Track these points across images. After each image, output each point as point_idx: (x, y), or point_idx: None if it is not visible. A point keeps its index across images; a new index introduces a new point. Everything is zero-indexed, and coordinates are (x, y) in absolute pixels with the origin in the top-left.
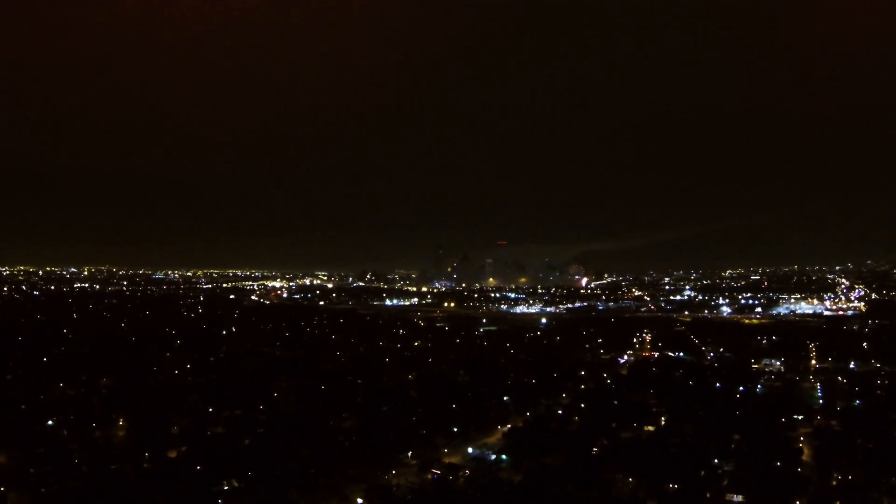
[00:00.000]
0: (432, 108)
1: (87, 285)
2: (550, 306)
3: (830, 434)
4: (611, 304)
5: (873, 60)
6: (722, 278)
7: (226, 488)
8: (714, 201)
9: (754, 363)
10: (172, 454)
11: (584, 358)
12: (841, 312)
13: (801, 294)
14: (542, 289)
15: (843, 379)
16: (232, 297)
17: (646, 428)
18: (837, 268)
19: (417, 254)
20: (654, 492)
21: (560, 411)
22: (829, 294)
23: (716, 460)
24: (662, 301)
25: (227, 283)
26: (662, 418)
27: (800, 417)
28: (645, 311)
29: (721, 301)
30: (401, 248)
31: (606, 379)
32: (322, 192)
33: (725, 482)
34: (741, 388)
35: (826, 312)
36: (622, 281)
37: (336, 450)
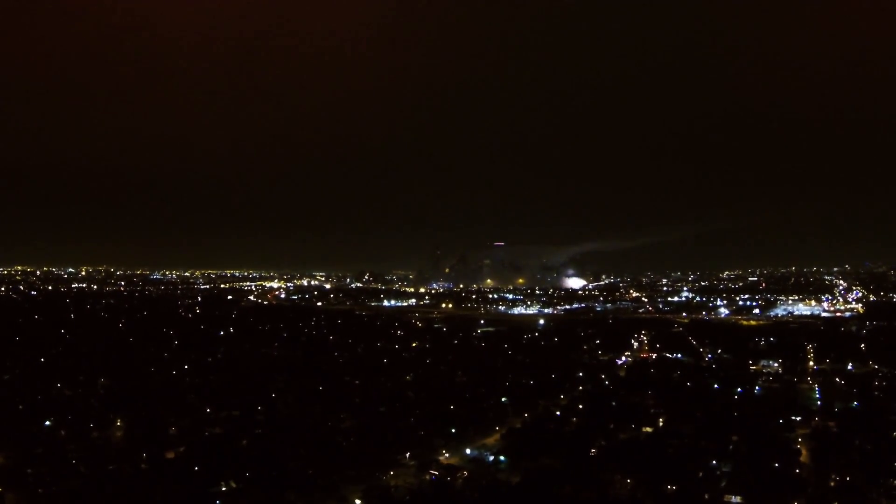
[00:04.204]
0: (430, 109)
1: (84, 285)
2: (548, 307)
3: (828, 435)
4: (608, 305)
5: (873, 61)
6: (720, 279)
7: (224, 489)
8: (712, 202)
9: (752, 364)
10: (170, 455)
11: (581, 359)
12: (839, 314)
13: (798, 295)
14: (539, 290)
15: (840, 380)
16: (230, 297)
17: (644, 429)
18: (835, 269)
19: (415, 255)
20: (652, 493)
21: (558, 412)
22: (826, 295)
23: (714, 461)
24: (660, 302)
25: (224, 283)
26: (660, 419)
27: (798, 418)
28: (643, 313)
29: (719, 302)
30: (398, 248)
31: (604, 380)
32: (320, 193)
33: (724, 483)
34: (739, 390)
35: (824, 314)
36: (620, 282)
37: (334, 450)
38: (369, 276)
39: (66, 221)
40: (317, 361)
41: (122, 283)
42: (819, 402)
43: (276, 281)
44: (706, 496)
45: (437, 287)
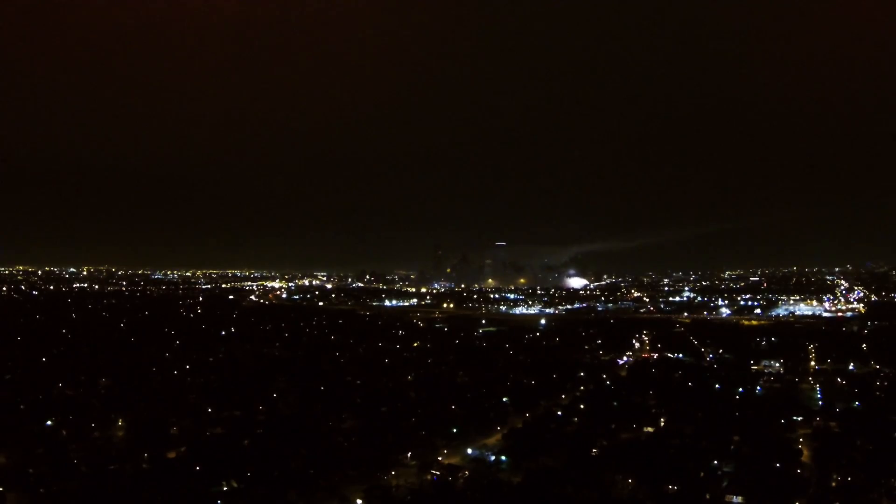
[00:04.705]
0: (431, 108)
1: (86, 285)
2: (549, 307)
3: (830, 435)
4: (610, 305)
5: (874, 61)
6: (721, 279)
7: (225, 489)
8: (713, 202)
9: (753, 364)
10: (171, 454)
11: (583, 359)
12: (840, 314)
13: (800, 295)
14: (540, 289)
15: (842, 380)
16: (231, 297)
17: (645, 429)
18: (837, 269)
19: (416, 254)
20: (653, 493)
21: (559, 412)
22: (828, 295)
23: (715, 461)
24: (661, 302)
25: (226, 283)
26: (662, 419)
27: (799, 419)
28: (644, 313)
29: (720, 302)
30: (400, 248)
31: (606, 380)
32: (321, 193)
33: (725, 483)
34: (740, 390)
35: (825, 314)
36: (621, 282)
37: (335, 450)
38: (371, 276)
39: (68, 221)
40: (318, 361)
41: (124, 283)
42: (820, 403)
43: (277, 281)
44: (707, 496)
45: (438, 287)
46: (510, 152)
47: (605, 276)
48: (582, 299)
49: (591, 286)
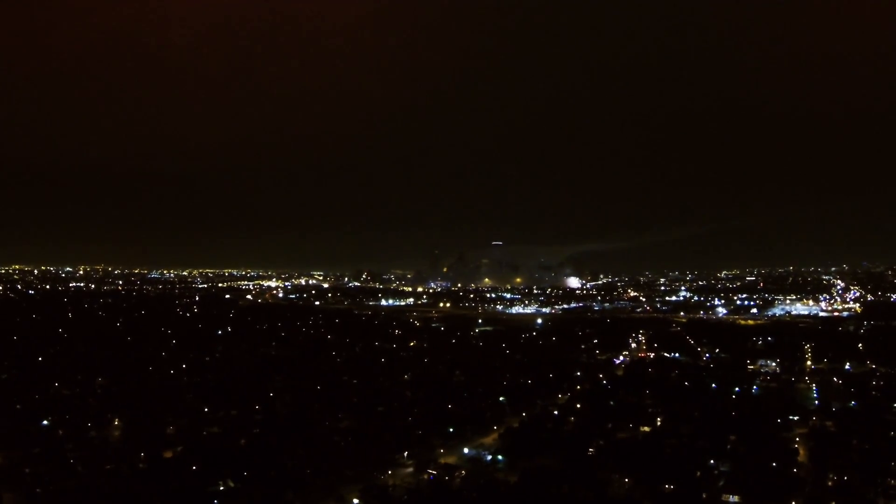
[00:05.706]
0: (429, 108)
1: (82, 284)
2: (546, 307)
3: (826, 435)
4: (606, 304)
5: (871, 61)
6: (717, 279)
7: (222, 488)
8: (710, 202)
9: (750, 364)
10: (168, 454)
11: (579, 358)
12: (836, 313)
13: (796, 295)
14: (537, 289)
15: (838, 380)
16: (227, 296)
17: (642, 428)
18: (833, 269)
19: (413, 254)
20: (649, 492)
21: (556, 412)
22: (824, 295)
23: (712, 461)
24: (658, 302)
25: (222, 282)
26: (658, 419)
27: (795, 418)
28: (640, 312)
29: (717, 302)
30: (396, 248)
31: (602, 379)
32: (318, 193)
33: (721, 483)
34: (737, 389)
35: (821, 313)
36: (618, 281)
37: (332, 450)
38: (367, 276)
39: (64, 220)
40: (315, 361)
41: (120, 282)
42: (817, 402)
43: (273, 280)
44: (704, 496)
45: (435, 286)
46: (507, 152)
47: (601, 276)
48: (578, 299)
49: (588, 286)
